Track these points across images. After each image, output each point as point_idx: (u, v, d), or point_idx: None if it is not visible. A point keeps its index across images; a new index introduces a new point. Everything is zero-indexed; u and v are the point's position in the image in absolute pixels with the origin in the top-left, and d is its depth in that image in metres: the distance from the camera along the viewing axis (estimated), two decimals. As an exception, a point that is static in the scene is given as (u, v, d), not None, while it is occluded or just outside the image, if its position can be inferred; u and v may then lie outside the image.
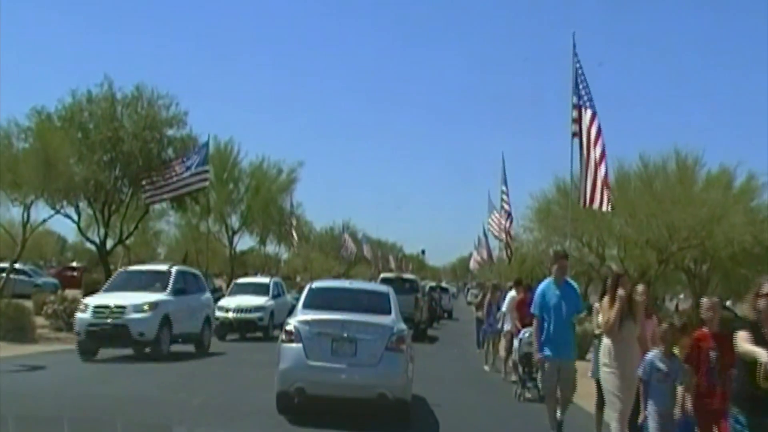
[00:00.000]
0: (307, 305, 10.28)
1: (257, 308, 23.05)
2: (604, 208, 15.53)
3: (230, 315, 22.61)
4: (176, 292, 16.68)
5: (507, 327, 15.35)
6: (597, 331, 8.63)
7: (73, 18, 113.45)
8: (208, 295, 18.89)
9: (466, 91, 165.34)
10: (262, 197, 39.68)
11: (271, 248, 48.25)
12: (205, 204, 32.36)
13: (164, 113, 27.63)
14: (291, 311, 12.28)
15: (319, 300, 10.44)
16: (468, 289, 75.69)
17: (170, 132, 27.94)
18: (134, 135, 26.30)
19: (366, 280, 32.64)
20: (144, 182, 26.69)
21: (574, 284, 9.41)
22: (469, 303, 65.23)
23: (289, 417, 9.57)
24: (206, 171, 27.89)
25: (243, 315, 22.75)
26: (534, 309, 9.19)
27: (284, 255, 56.42)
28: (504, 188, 30.99)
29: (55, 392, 10.77)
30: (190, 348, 17.45)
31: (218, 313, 21.59)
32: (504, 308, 15.70)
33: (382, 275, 32.03)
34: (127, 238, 30.57)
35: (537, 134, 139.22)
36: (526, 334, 12.86)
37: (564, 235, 24.80)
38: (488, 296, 17.96)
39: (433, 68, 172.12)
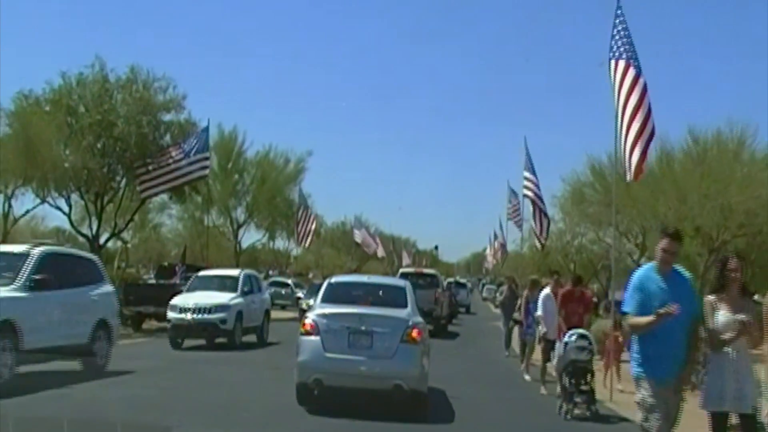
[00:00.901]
0: (326, 299, 10.59)
1: (219, 307, 18.30)
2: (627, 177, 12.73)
3: (185, 316, 18.19)
4: (35, 285, 11.50)
5: (542, 329, 13.22)
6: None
7: (71, 7, 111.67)
8: (107, 288, 13.71)
9: (482, 84, 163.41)
10: (268, 188, 37.81)
11: (281, 243, 46.43)
12: (206, 194, 30.34)
13: (161, 97, 25.77)
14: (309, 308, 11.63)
15: (337, 294, 10.75)
16: (483, 285, 74.87)
17: (167, 117, 26.12)
18: (127, 119, 24.37)
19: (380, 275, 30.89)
20: (139, 171, 24.77)
21: (687, 274, 6.16)
22: (485, 299, 64.05)
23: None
24: (206, 158, 26.03)
25: (201, 316, 18.14)
26: (627, 305, 6.08)
27: (294, 251, 54.68)
28: (527, 174, 29.03)
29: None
30: (73, 365, 12.39)
31: (171, 314, 18.30)
32: (540, 311, 13.42)
33: (402, 270, 30.45)
34: (122, 231, 28.65)
35: (553, 129, 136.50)
36: (573, 338, 10.87)
37: (597, 223, 22.56)
38: (525, 293, 15.65)
39: (446, 60, 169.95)
